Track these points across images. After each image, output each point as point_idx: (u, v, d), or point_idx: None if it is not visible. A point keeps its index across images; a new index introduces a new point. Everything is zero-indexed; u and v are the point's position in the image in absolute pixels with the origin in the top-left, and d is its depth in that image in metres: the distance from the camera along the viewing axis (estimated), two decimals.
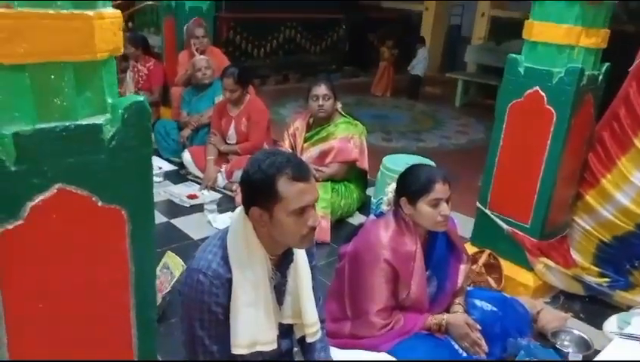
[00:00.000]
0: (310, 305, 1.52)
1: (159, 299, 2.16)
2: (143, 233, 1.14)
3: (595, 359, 1.79)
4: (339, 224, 3.36)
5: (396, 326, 1.84)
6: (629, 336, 1.84)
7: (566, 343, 2.16)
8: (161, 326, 2.14)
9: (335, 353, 1.72)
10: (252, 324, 1.39)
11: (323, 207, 3.16)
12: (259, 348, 1.41)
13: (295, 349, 1.68)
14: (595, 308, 2.58)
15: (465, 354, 1.89)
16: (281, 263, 1.49)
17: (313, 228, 1.40)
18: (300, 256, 1.51)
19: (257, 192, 1.37)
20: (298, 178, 1.35)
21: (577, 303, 2.64)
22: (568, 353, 2.09)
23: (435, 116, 6.80)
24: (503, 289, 2.53)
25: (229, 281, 1.37)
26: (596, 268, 2.72)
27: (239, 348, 1.38)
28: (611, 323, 2.08)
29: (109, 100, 1.04)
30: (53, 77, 0.96)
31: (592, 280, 2.66)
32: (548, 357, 1.96)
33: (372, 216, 2.11)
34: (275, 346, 1.45)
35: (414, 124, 6.42)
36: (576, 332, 2.21)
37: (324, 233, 3.12)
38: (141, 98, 1.06)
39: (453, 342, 1.90)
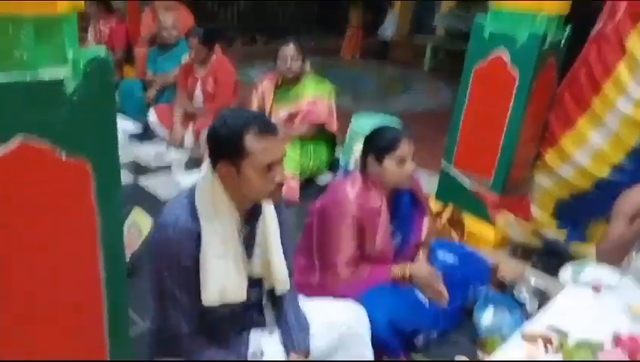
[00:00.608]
0: (279, 258, 1.56)
1: (128, 257, 2.17)
2: (108, 186, 1.15)
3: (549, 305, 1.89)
4: (308, 184, 3.40)
5: (362, 277, 1.91)
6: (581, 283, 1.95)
7: (523, 291, 2.28)
8: (130, 282, 2.16)
9: (304, 303, 1.77)
10: (222, 276, 1.42)
11: (292, 168, 3.19)
12: (228, 300, 1.44)
13: (265, 302, 1.73)
14: (551, 259, 2.70)
15: (428, 303, 1.98)
16: (250, 217, 1.52)
17: (280, 185, 1.43)
18: (269, 210, 1.54)
19: (224, 148, 1.38)
20: (265, 133, 1.37)
21: (535, 255, 2.77)
22: (525, 300, 2.21)
23: (403, 80, 6.82)
24: (465, 243, 2.63)
25: (198, 235, 1.39)
26: (555, 223, 2.84)
27: (209, 299, 1.41)
28: (566, 271, 2.19)
29: (71, 54, 1.03)
30: (12, 29, 0.95)
31: (550, 233, 2.79)
32: (505, 303, 2.07)
33: (340, 175, 2.15)
34: (244, 298, 1.49)
35: (383, 87, 6.44)
36: (533, 281, 2.33)
37: (293, 193, 3.16)
38: (103, 51, 1.05)
39: (416, 292, 1.99)
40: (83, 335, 1.27)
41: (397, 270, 1.98)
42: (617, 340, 1.39)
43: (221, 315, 1.52)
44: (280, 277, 1.58)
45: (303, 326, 1.66)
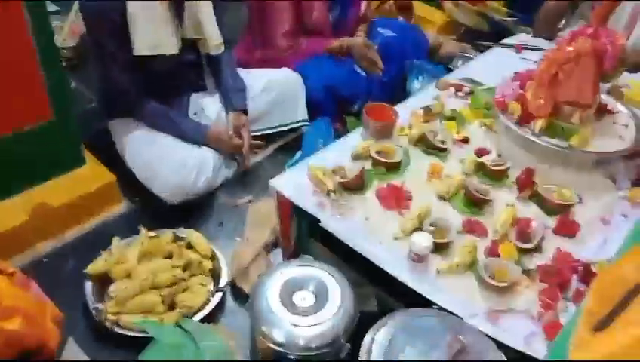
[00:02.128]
0: (210, 19, 1.61)
1: (75, 43, 2.23)
2: None
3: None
4: None
5: (300, 47, 2.00)
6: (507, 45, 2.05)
7: (458, 63, 2.37)
8: (77, 72, 2.24)
9: (243, 73, 1.88)
10: (151, 28, 1.49)
11: None
12: (161, 51, 1.53)
13: (204, 67, 1.82)
14: (494, 40, 2.76)
15: (363, 73, 2.10)
16: None
17: None
18: None
19: None
20: None
21: (480, 39, 2.82)
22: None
23: None
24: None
25: None
26: (505, 11, 2.86)
27: (141, 49, 1.50)
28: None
29: None
30: None
31: (498, 17, 2.82)
32: (438, 73, 2.17)
33: None
34: (176, 50, 1.57)
35: None
36: (469, 55, 2.41)
37: None
38: None
39: (353, 63, 2.09)
40: (26, 99, 1.41)
41: (335, 42, 2.06)
42: (515, 76, 1.52)
43: (161, 73, 1.63)
44: (213, 37, 1.64)
45: (240, 87, 1.79)
